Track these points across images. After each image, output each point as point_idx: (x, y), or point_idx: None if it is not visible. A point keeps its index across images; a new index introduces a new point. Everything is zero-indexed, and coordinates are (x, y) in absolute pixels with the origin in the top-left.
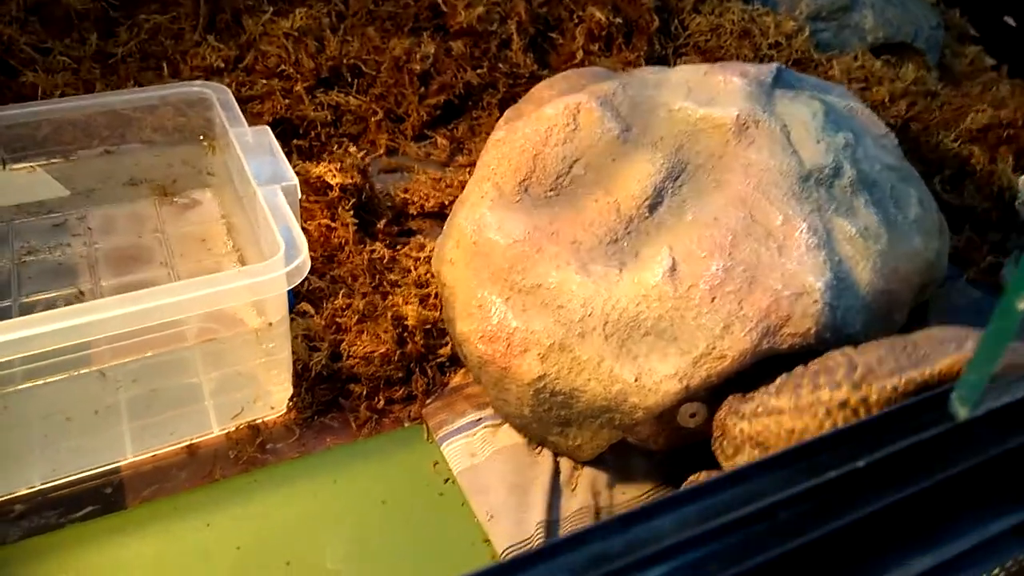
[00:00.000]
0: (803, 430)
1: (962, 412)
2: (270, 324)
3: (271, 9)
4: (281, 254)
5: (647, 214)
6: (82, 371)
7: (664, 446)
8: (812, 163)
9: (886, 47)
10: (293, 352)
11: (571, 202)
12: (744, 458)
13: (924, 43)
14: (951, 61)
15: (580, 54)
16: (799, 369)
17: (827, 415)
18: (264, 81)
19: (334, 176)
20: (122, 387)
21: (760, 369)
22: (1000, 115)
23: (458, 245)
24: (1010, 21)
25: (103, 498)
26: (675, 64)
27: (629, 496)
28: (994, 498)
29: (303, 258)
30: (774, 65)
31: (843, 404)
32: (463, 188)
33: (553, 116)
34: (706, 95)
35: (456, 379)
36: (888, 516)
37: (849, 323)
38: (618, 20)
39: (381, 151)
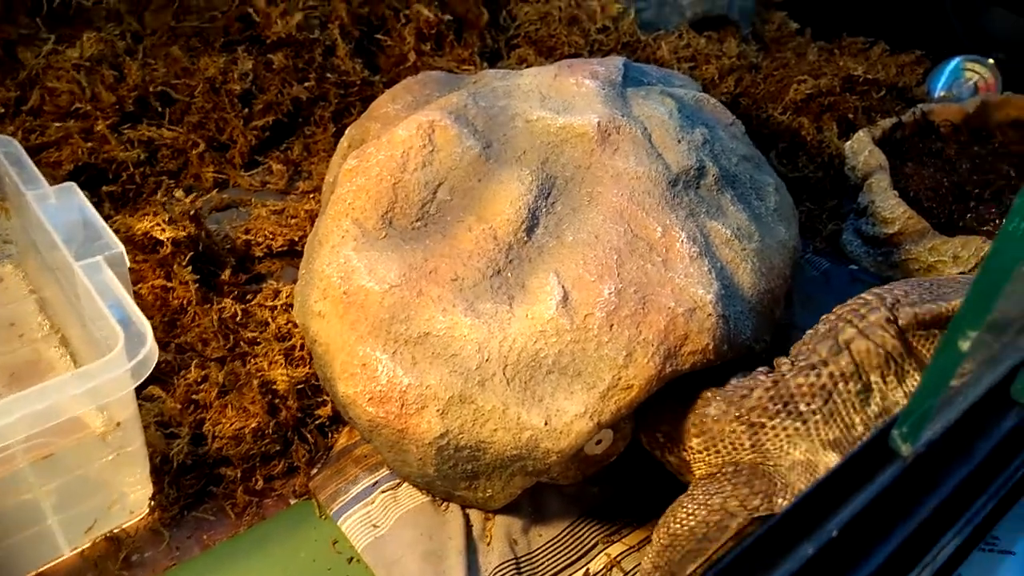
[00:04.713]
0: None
1: (904, 448)
2: (118, 424)
3: (52, 37)
4: (121, 346)
5: (525, 238)
6: None
7: (573, 479)
8: (678, 166)
9: (705, 21)
10: (147, 444)
11: (442, 232)
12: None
13: (737, 13)
14: (761, 28)
15: (412, 56)
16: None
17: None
18: (57, 124)
19: (163, 230)
20: None
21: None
22: (820, 84)
23: (325, 296)
24: None
25: None
26: (509, 57)
27: (547, 538)
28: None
29: (149, 346)
30: (619, 60)
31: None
32: (311, 219)
33: (407, 138)
34: (561, 101)
35: (342, 440)
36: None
37: (741, 330)
38: (447, 16)
39: (209, 187)
